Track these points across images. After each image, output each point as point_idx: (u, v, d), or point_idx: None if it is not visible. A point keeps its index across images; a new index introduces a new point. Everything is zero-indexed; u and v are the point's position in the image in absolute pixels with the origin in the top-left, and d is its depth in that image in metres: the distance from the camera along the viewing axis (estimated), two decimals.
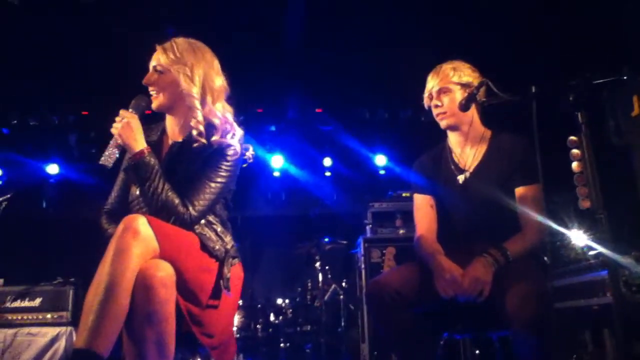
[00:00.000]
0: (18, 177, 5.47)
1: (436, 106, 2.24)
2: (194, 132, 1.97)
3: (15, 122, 5.35)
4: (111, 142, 1.89)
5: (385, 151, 5.62)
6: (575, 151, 1.71)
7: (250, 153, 2.10)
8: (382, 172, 5.66)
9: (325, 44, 4.53)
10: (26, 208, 4.95)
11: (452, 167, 2.27)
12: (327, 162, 5.68)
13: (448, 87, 2.22)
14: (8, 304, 3.45)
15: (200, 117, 1.97)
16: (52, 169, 5.55)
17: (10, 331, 3.33)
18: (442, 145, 2.37)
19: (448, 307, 2.00)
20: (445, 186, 2.25)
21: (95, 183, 5.31)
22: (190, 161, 1.95)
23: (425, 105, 2.32)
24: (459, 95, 2.20)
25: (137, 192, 1.96)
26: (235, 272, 1.96)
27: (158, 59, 2.01)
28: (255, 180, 5.52)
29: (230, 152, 1.96)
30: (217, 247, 1.91)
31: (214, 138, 1.96)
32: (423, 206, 2.29)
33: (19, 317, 3.42)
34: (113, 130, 1.89)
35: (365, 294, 2.29)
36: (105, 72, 4.51)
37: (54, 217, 5.50)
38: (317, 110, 5.34)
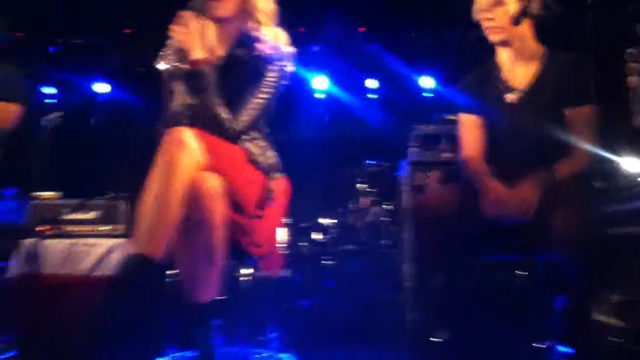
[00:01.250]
0: (68, 96, 5.60)
1: (487, 19, 2.15)
2: (234, 46, 1.95)
3: (61, 40, 5.40)
4: (169, 44, 1.86)
5: (432, 73, 5.46)
6: (633, 65, 1.63)
7: (290, 70, 2.08)
8: (427, 94, 5.54)
9: None
10: (78, 126, 5.12)
11: (501, 85, 2.20)
12: (371, 83, 5.58)
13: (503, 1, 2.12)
14: (66, 216, 3.62)
15: (259, 33, 1.96)
16: (100, 87, 5.64)
17: (69, 241, 3.52)
18: (490, 63, 2.29)
19: (492, 228, 2.00)
20: (492, 105, 2.19)
21: (141, 101, 5.41)
22: (236, 75, 1.96)
23: (475, 18, 2.23)
24: (512, 7, 2.10)
25: (184, 103, 1.97)
26: (279, 185, 2.02)
27: None
28: (298, 102, 5.49)
29: (274, 67, 1.96)
30: (261, 160, 1.95)
31: (259, 53, 1.95)
32: (469, 126, 2.25)
33: (76, 229, 3.59)
34: (172, 33, 1.86)
35: (409, 213, 2.32)
36: None
37: (104, 135, 5.65)
38: (359, 29, 5.18)
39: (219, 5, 1.95)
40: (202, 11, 1.91)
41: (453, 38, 5.21)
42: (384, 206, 4.44)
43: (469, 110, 2.27)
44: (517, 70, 2.20)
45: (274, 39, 2.00)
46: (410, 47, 5.32)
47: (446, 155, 3.70)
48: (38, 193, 3.40)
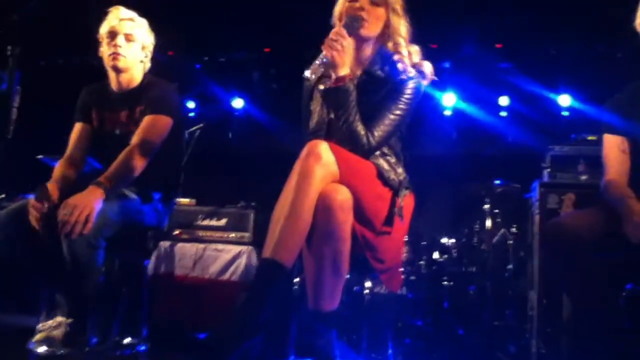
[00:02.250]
0: (208, 110, 5.99)
1: None
2: (371, 64, 1.98)
3: (207, 58, 5.81)
4: (319, 57, 1.93)
5: (570, 91, 5.17)
6: None
7: (427, 81, 2.09)
8: (565, 113, 5.24)
9: None
10: (215, 138, 5.45)
11: None
12: (504, 101, 5.38)
13: None
14: (199, 222, 3.86)
15: (404, 52, 2.01)
16: (238, 103, 5.98)
17: (201, 246, 3.75)
18: (639, 82, 2.14)
19: (637, 255, 1.85)
20: None
21: (275, 117, 5.65)
22: (374, 92, 2.01)
23: (638, 28, 2.07)
24: None
25: (322, 116, 2.05)
26: (407, 202, 2.02)
27: None
28: (426, 118, 5.44)
29: (411, 85, 2.00)
30: (391, 176, 1.98)
31: (395, 70, 2.01)
32: (614, 148, 2.11)
33: (208, 234, 3.82)
34: (326, 47, 1.92)
35: (543, 234, 2.20)
36: (287, 11, 4.68)
37: (238, 147, 5.97)
38: (496, 45, 5.05)
39: (368, 26, 2.04)
40: (349, 30, 1.97)
41: (594, 54, 4.91)
42: (511, 229, 4.25)
43: (615, 131, 2.13)
44: None
45: (410, 57, 2.05)
46: (549, 64, 5.09)
47: (584, 177, 3.47)
48: (177, 199, 3.67)
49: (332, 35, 1.92)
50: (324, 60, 1.90)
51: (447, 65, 5.33)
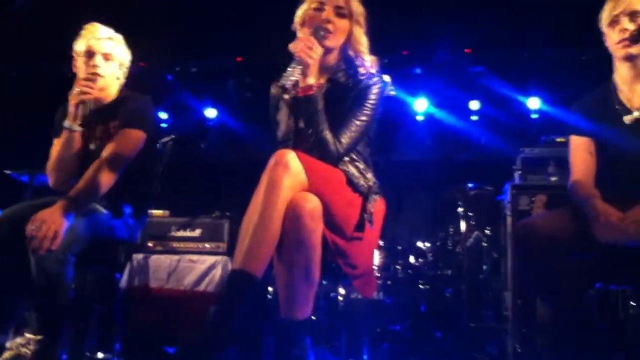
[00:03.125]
0: (181, 121, 5.95)
1: (624, 30, 2.02)
2: (335, 72, 2.02)
3: (178, 68, 5.77)
4: (292, 66, 1.94)
5: (540, 94, 5.24)
6: None
7: (391, 92, 2.12)
8: (534, 116, 5.31)
9: None
10: (188, 149, 5.41)
11: (618, 106, 2.08)
12: (475, 105, 5.45)
13: (638, 11, 2.00)
14: (173, 233, 3.82)
15: (366, 58, 2.05)
16: (211, 112, 5.95)
17: (175, 257, 3.71)
18: (606, 84, 2.18)
19: (605, 255, 1.88)
20: (609, 127, 2.07)
21: (250, 126, 5.63)
22: (339, 100, 2.02)
23: (603, 30, 2.12)
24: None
25: (290, 125, 2.05)
26: (377, 207, 2.03)
27: (347, 0, 2.07)
28: (399, 124, 5.48)
29: (374, 90, 2.02)
30: (360, 182, 1.98)
31: (358, 77, 2.03)
32: (580, 149, 2.14)
33: (182, 246, 3.78)
34: (301, 55, 1.93)
35: (514, 236, 2.23)
36: (258, 19, 4.68)
37: (212, 157, 5.94)
38: (466, 50, 5.11)
39: (333, 38, 2.05)
40: (317, 37, 1.99)
41: (563, 58, 5.00)
42: (485, 231, 4.29)
43: (581, 133, 2.17)
44: (637, 90, 2.07)
45: (371, 64, 2.08)
46: (518, 68, 5.16)
47: (553, 178, 3.53)
48: (150, 211, 3.63)
49: (307, 42, 1.93)
50: (298, 68, 1.91)
51: (418, 71, 5.37)
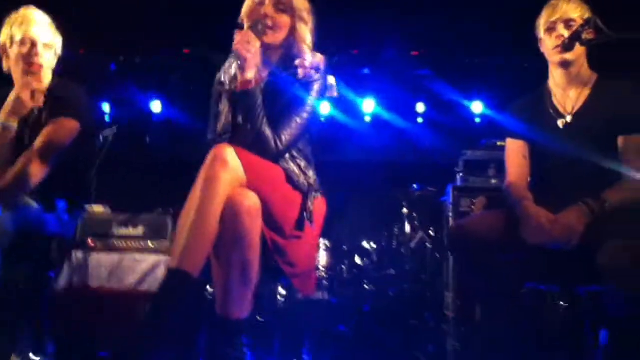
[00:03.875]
0: (124, 113, 5.78)
1: (560, 36, 2.08)
2: (282, 69, 2.02)
3: (122, 58, 5.59)
4: (229, 59, 1.91)
5: (483, 98, 5.38)
6: None
7: (334, 91, 2.10)
8: (477, 119, 5.44)
9: None
10: (131, 142, 5.27)
11: (552, 110, 2.15)
12: (420, 107, 5.53)
13: (574, 18, 2.07)
14: (115, 231, 3.70)
15: (308, 58, 2.03)
16: (156, 105, 5.81)
17: (117, 256, 3.59)
18: (540, 89, 2.25)
19: (535, 256, 1.93)
20: (542, 131, 2.14)
21: (194, 120, 5.53)
22: (279, 96, 1.99)
23: (539, 36, 2.18)
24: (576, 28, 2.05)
25: (229, 120, 2.01)
26: (318, 205, 2.02)
27: None
28: (346, 124, 5.50)
29: (315, 87, 2.00)
30: (301, 180, 1.97)
31: (301, 74, 2.00)
32: (515, 152, 2.21)
33: (124, 244, 3.67)
34: (238, 49, 1.90)
35: (449, 237, 2.27)
36: (205, 10, 4.60)
37: (156, 151, 5.80)
38: (413, 53, 5.18)
39: (272, 34, 2.02)
40: (256, 33, 1.96)
41: (505, 64, 5.13)
42: (429, 232, 4.36)
43: (516, 136, 2.23)
44: (570, 95, 2.14)
45: (314, 62, 2.05)
46: (463, 72, 5.27)
47: (494, 181, 3.62)
48: (89, 206, 3.51)
49: (244, 37, 1.90)
50: (236, 62, 1.88)
51: (366, 71, 5.41)
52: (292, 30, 2.06)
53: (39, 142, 2.24)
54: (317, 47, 2.14)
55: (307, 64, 2.02)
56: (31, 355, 2.45)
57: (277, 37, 2.04)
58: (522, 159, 2.17)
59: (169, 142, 5.78)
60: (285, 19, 2.04)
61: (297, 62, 2.02)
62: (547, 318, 2.31)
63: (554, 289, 2.36)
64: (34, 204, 2.29)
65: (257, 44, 1.92)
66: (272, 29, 2.01)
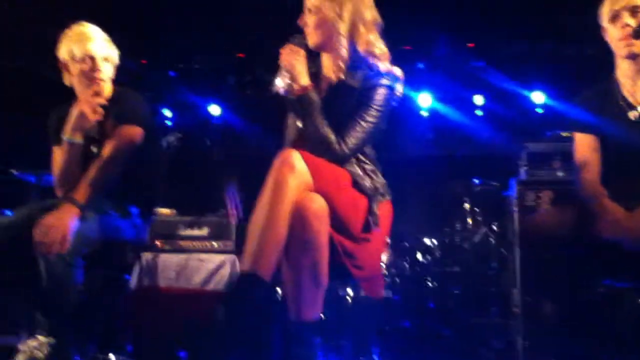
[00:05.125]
0: (185, 118, 5.95)
1: (626, 25, 2.00)
2: (341, 72, 2.02)
3: (181, 65, 5.77)
4: (281, 69, 1.95)
5: (544, 88, 5.22)
6: None
7: (399, 92, 2.09)
8: (539, 110, 5.29)
9: None
10: (193, 146, 5.41)
11: (622, 102, 2.08)
12: (479, 100, 5.43)
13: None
14: (181, 232, 3.83)
15: (345, 55, 2.03)
16: (215, 109, 5.95)
17: (183, 256, 3.72)
18: (609, 80, 2.16)
19: (610, 252, 1.88)
20: (613, 123, 2.07)
21: (251, 123, 5.63)
22: (344, 100, 2.01)
23: (604, 25, 2.10)
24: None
25: (295, 126, 2.05)
26: (384, 209, 2.02)
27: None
28: (403, 120, 5.46)
29: (381, 91, 1.99)
30: (367, 184, 1.98)
31: (365, 76, 2.00)
32: (586, 146, 2.13)
33: (190, 244, 3.79)
34: (283, 59, 1.95)
35: (519, 233, 2.23)
36: (260, 15, 4.67)
37: (217, 154, 5.93)
38: (468, 45, 5.08)
39: (309, 36, 2.06)
40: (297, 44, 2.02)
41: (567, 52, 4.97)
42: (492, 227, 4.29)
43: (585, 129, 2.16)
44: None
45: (382, 62, 2.04)
46: (521, 62, 5.13)
47: (560, 174, 3.52)
48: (156, 210, 3.63)
49: (287, 47, 1.97)
50: (285, 71, 1.92)
51: (421, 66, 5.34)
52: (352, 33, 2.04)
53: (106, 150, 2.33)
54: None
55: (374, 63, 2.02)
56: (111, 355, 2.56)
57: (314, 38, 2.06)
58: (594, 152, 2.11)
59: (229, 144, 5.91)
60: (312, 19, 2.05)
61: (370, 61, 2.02)
62: (624, 317, 2.24)
63: (630, 285, 2.29)
64: (110, 212, 2.39)
65: (301, 52, 1.96)
66: (307, 32, 2.06)
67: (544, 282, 2.04)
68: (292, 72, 1.94)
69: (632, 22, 1.99)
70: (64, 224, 2.05)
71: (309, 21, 2.07)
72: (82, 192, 2.19)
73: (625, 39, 2.00)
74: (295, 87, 1.94)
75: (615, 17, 2.04)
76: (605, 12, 2.09)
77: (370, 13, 2.08)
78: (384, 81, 2.01)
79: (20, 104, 4.97)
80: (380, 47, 2.08)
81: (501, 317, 3.87)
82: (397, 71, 2.06)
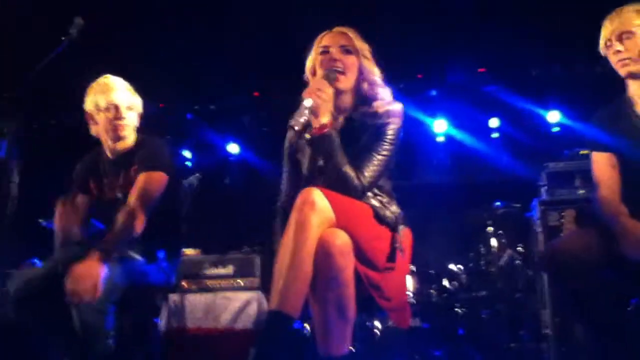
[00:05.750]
0: (204, 158, 6.04)
1: (617, 52, 2.06)
2: (354, 108, 2.08)
3: (197, 107, 5.89)
4: (301, 107, 1.97)
5: (559, 107, 5.21)
6: None
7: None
8: (555, 129, 5.27)
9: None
10: (213, 185, 5.48)
11: (635, 119, 2.09)
12: (494, 123, 5.43)
13: (631, 30, 2.04)
14: (206, 271, 3.85)
15: (362, 92, 2.09)
16: (233, 148, 6.04)
17: (210, 295, 3.73)
18: (621, 98, 2.18)
19: (636, 271, 1.86)
20: (629, 140, 2.07)
21: (268, 160, 5.69)
22: (358, 135, 2.06)
23: (602, 53, 2.15)
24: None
25: (310, 163, 2.10)
26: (404, 236, 2.06)
27: (338, 40, 2.13)
28: (419, 147, 5.48)
29: (392, 125, 2.06)
30: (387, 214, 2.01)
31: (377, 112, 2.07)
32: (603, 165, 2.14)
33: (216, 283, 3.81)
34: (310, 96, 1.97)
35: (541, 259, 2.22)
36: (273, 56, 4.77)
37: (236, 191, 6.00)
38: (479, 70, 5.12)
39: (345, 79, 2.11)
40: (329, 80, 2.05)
41: (578, 71, 4.98)
42: (517, 249, 4.25)
43: (601, 148, 2.17)
44: None
45: (386, 98, 2.12)
46: (534, 83, 5.14)
47: (581, 191, 3.49)
48: (182, 251, 3.66)
49: (316, 84, 2.00)
50: (306, 109, 1.95)
51: (434, 93, 5.39)
52: (360, 69, 2.13)
53: (134, 196, 2.38)
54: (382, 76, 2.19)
55: (380, 99, 2.07)
56: None
57: (349, 81, 2.13)
58: (612, 171, 2.11)
59: (248, 181, 5.98)
60: (352, 59, 2.12)
61: (375, 104, 2.09)
62: None
63: None
64: (138, 257, 2.43)
65: (330, 90, 2.00)
66: (343, 73, 2.10)
67: (574, 306, 2.01)
68: (316, 110, 1.97)
69: (621, 47, 2.05)
70: (94, 272, 2.09)
71: (347, 62, 2.11)
72: (111, 240, 2.25)
73: (621, 62, 2.05)
74: (315, 124, 1.98)
75: (607, 44, 2.12)
76: (600, 40, 2.16)
77: (368, 51, 2.17)
78: (394, 117, 2.07)
79: (45, 157, 5.11)
80: (378, 74, 2.17)
81: (532, 340, 3.80)
82: (399, 105, 2.12)
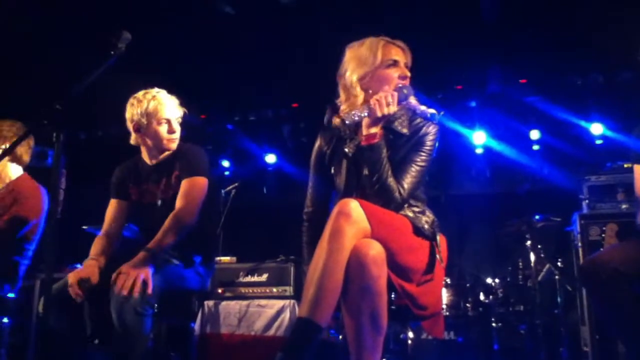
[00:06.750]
0: (243, 168, 6.13)
1: None
2: (397, 123, 2.10)
3: (237, 118, 6.00)
4: (361, 108, 2.01)
5: (602, 119, 5.08)
6: None
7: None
8: (598, 142, 5.13)
9: (523, 11, 4.30)
10: (251, 194, 5.55)
11: None
12: (535, 134, 5.33)
13: None
14: (241, 279, 3.90)
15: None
16: (270, 158, 6.12)
17: (244, 303, 3.77)
18: None
19: None
20: None
21: (306, 170, 5.72)
22: (398, 148, 2.07)
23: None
24: None
25: (351, 175, 2.10)
26: (441, 243, 2.06)
27: (405, 56, 2.15)
28: (458, 157, 5.43)
29: (430, 136, 2.07)
30: (425, 225, 2.00)
31: (412, 122, 2.09)
32: None
33: (250, 291, 3.85)
34: (377, 103, 1.99)
35: (580, 272, 2.17)
36: (312, 68, 4.83)
37: (274, 201, 6.06)
38: (521, 81, 5.06)
39: (411, 95, 2.11)
40: (400, 96, 2.06)
41: (621, 81, 4.86)
42: (557, 263, 4.16)
43: None
44: None
45: (425, 109, 2.12)
46: (576, 95, 5.04)
47: (624, 206, 3.41)
48: (218, 258, 3.72)
49: (387, 97, 1.99)
50: (366, 110, 1.97)
51: (473, 104, 5.34)
52: None
53: (181, 201, 2.45)
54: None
55: (418, 109, 2.09)
56: None
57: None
58: None
59: (285, 191, 6.03)
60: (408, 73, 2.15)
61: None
62: None
63: None
64: (175, 262, 2.49)
65: (395, 108, 2.00)
66: (409, 90, 2.10)
67: (614, 321, 1.96)
68: (372, 119, 1.98)
69: None
70: (142, 269, 2.18)
71: (409, 75, 2.14)
72: (158, 243, 2.31)
73: None
74: (365, 132, 2.00)
75: None
76: None
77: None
78: (431, 127, 2.08)
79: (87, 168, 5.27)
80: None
81: (571, 358, 3.71)
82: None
